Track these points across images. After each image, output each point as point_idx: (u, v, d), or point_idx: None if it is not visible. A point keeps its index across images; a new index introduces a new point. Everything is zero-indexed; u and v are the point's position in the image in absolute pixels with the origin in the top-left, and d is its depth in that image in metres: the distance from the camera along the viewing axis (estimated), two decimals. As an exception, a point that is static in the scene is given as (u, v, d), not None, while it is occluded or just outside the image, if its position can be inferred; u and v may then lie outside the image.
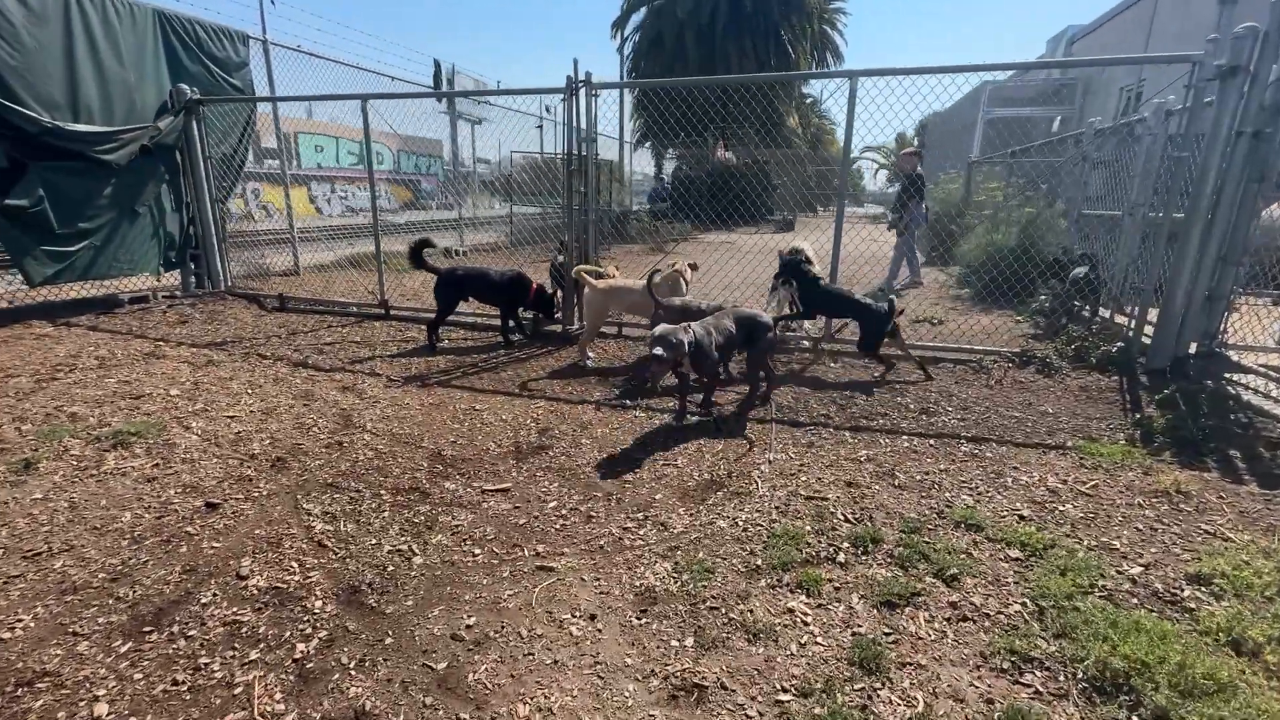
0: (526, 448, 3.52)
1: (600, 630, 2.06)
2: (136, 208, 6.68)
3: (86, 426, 3.63)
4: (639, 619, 2.12)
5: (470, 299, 5.81)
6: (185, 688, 1.79)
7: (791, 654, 1.95)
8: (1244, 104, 4.17)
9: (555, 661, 1.92)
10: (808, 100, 35.30)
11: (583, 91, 5.64)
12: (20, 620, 2.05)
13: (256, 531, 2.62)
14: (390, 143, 20.82)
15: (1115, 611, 2.05)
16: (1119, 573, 2.33)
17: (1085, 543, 2.54)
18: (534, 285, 5.70)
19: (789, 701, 1.76)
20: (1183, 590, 2.21)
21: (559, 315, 6.03)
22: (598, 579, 2.34)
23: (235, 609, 2.13)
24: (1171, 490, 2.93)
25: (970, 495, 2.96)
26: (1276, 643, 1.88)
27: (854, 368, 5.11)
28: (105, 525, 2.64)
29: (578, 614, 2.14)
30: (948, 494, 2.97)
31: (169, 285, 7.58)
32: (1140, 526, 2.66)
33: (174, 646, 1.95)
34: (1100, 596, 2.17)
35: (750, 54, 25.64)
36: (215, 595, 2.20)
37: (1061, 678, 1.82)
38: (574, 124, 5.70)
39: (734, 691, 1.80)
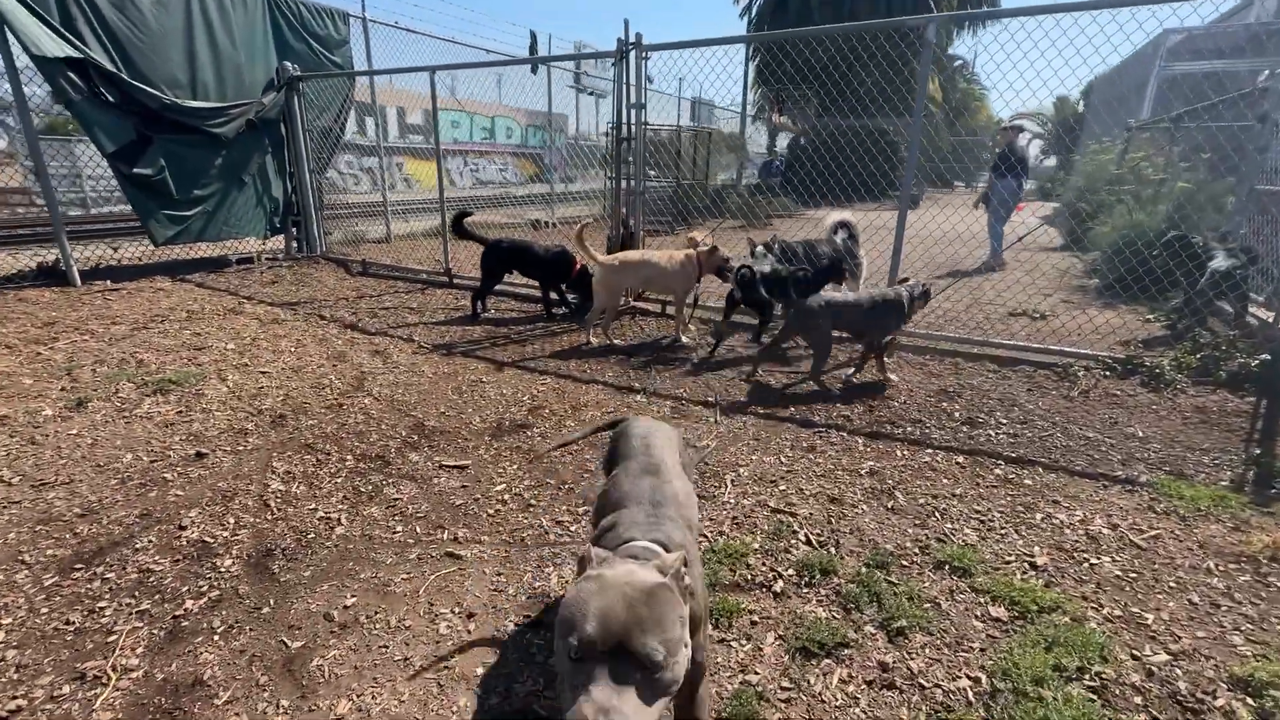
0: (508, 425, 3.44)
1: (470, 633, 1.92)
2: (243, 177, 7.40)
3: (145, 372, 4.07)
4: (516, 626, 1.95)
5: (515, 271, 5.81)
6: (72, 629, 1.90)
7: (658, 694, 1.68)
8: None
9: (406, 659, 1.81)
10: (955, 63, 31.64)
11: (633, 55, 5.35)
12: (-10, 544, 2.30)
13: (220, 484, 2.76)
14: (519, 117, 21.58)
15: (1097, 712, 1.56)
16: (1135, 658, 1.78)
17: (1106, 611, 1.98)
18: (577, 263, 5.57)
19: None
20: (1216, 698, 1.64)
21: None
22: (499, 575, 2.19)
23: (158, 558, 2.24)
24: (1263, 556, 2.21)
25: (976, 530, 2.44)
26: (1320, 803, 1.32)
27: (908, 365, 4.48)
28: (107, 464, 2.92)
29: (458, 611, 2.01)
30: (948, 525, 2.47)
31: (274, 249, 8.38)
32: (1196, 599, 2.03)
33: (88, 587, 2.09)
34: (1087, 687, 1.67)
35: (884, 14, 23.40)
36: (150, 542, 2.33)
37: (979, 789, 1.41)
38: (623, 90, 5.43)
39: None
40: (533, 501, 2.67)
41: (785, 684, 1.72)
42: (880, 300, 3.90)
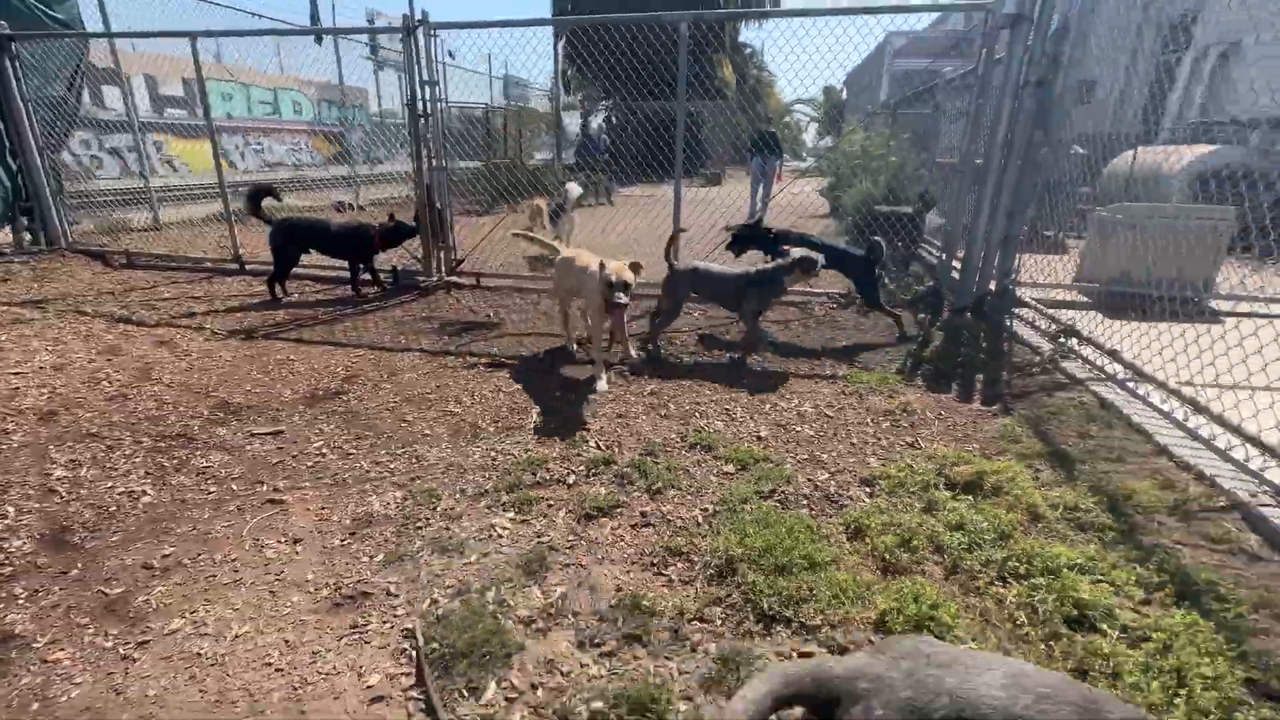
0: (323, 394, 3.55)
1: (298, 553, 2.17)
2: (-57, 155, 6.11)
3: None
4: (343, 541, 2.23)
5: (311, 251, 5.65)
6: None
7: (470, 562, 2.11)
8: (1028, 53, 4.42)
9: (236, 581, 2.02)
10: (745, 50, 34.66)
11: (420, 32, 5.44)
12: None
13: (25, 457, 2.58)
14: (307, 91, 19.42)
15: (773, 512, 2.30)
16: (809, 480, 2.59)
17: (798, 457, 2.80)
18: (376, 235, 5.57)
19: (442, 602, 1.92)
20: (849, 491, 2.49)
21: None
22: (324, 509, 2.44)
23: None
24: (898, 410, 3.24)
25: (723, 421, 3.19)
26: (882, 528, 2.16)
27: (699, 309, 5.30)
28: None
29: (284, 540, 2.24)
30: (704, 421, 3.19)
31: (-1, 242, 7.03)
32: (855, 441, 2.95)
33: None
34: (775, 501, 2.42)
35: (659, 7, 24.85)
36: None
37: (696, 568, 2.05)
38: (414, 66, 5.51)
39: (396, 597, 1.95)
40: (350, 451, 2.90)
41: (571, 538, 2.24)
42: (753, 273, 3.98)
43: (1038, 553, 1.97)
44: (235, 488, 2.58)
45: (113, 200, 8.38)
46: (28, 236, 7.13)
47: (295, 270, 5.81)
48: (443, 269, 6.24)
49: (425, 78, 5.54)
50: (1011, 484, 2.39)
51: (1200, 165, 7.32)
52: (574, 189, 7.08)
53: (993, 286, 4.96)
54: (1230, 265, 5.44)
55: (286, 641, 1.77)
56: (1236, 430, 2.53)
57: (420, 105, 5.61)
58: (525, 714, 1.53)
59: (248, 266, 6.65)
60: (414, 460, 2.81)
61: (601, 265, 3.34)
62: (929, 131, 8.56)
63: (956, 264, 5.33)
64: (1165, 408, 3.01)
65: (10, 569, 2.06)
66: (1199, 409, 2.76)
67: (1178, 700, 1.47)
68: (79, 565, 2.08)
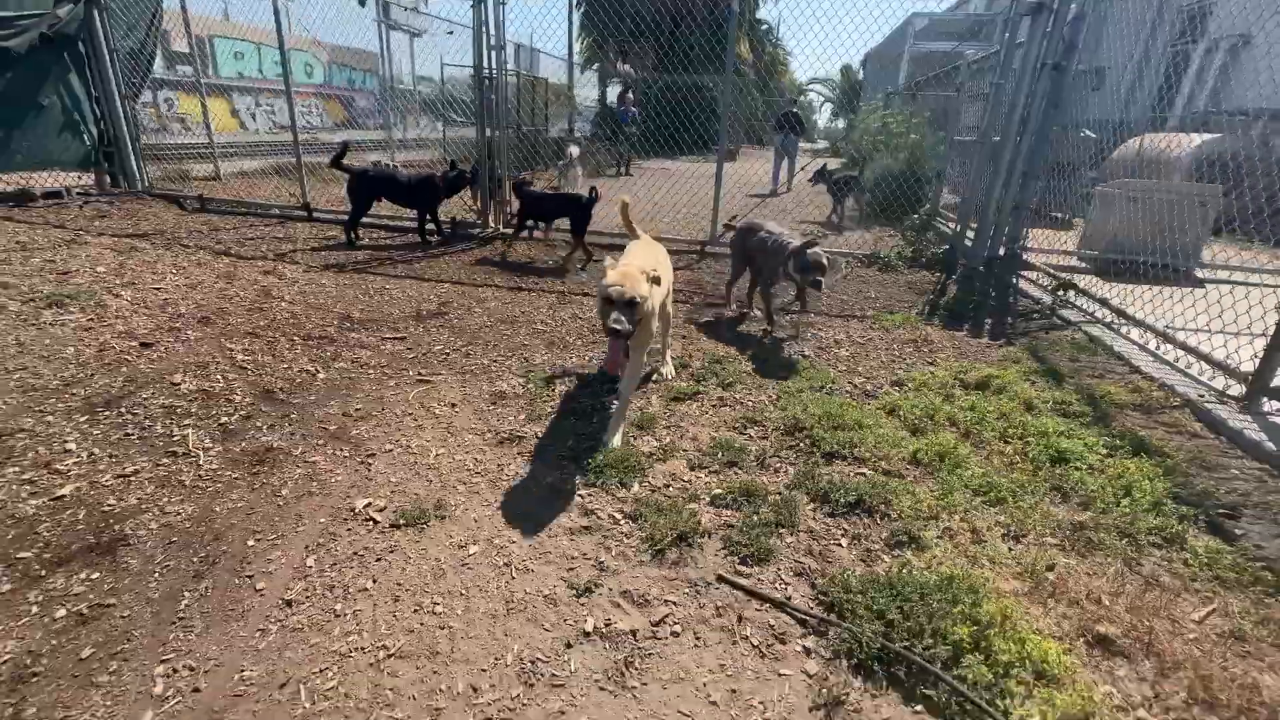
0: (426, 314, 4.16)
1: (457, 411, 2.80)
2: (41, 100, 6.63)
3: (19, 292, 4.03)
4: (490, 407, 2.87)
5: (383, 199, 6.20)
6: (134, 437, 2.44)
7: (593, 423, 2.74)
8: (1047, 39, 4.94)
9: (418, 426, 2.66)
10: (762, 27, 34.64)
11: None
12: (-7, 404, 2.63)
13: (186, 359, 3.20)
14: (318, 52, 19.64)
15: (824, 398, 2.93)
16: (849, 382, 3.21)
17: (839, 369, 3.42)
18: (441, 184, 6.11)
19: (573, 443, 2.55)
20: (883, 389, 3.12)
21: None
22: (464, 387, 3.07)
23: (171, 400, 2.76)
24: (919, 340, 3.85)
25: (769, 348, 3.81)
26: (912, 407, 2.78)
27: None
28: (52, 355, 3.17)
29: (442, 404, 2.87)
30: (752, 346, 3.81)
31: (84, 184, 7.57)
32: (884, 359, 3.57)
33: (123, 418, 2.58)
34: (824, 392, 3.04)
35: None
36: (153, 393, 2.81)
37: (769, 429, 2.68)
38: (480, 33, 6.00)
39: (542, 437, 2.58)
40: (469, 352, 3.52)
41: (665, 411, 2.87)
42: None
43: (1031, 424, 2.60)
44: (386, 372, 3.21)
45: (177, 153, 8.90)
46: (108, 180, 7.68)
47: (365, 219, 6.38)
48: (498, 222, 6.81)
49: (493, 43, 6.04)
50: (1012, 386, 3.01)
51: (1204, 151, 7.84)
52: (574, 149, 7.56)
53: (1002, 251, 5.54)
54: (1217, 242, 6.00)
55: (476, 459, 2.41)
56: (1194, 351, 3.15)
57: (487, 70, 6.12)
58: (664, 497, 2.17)
59: (315, 214, 7.21)
60: (523, 360, 3.44)
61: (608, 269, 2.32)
62: (948, 111, 9.04)
63: (970, 233, 5.90)
64: (1141, 341, 3.62)
65: (244, 412, 2.69)
66: (1168, 339, 3.38)
67: (1124, 500, 2.10)
68: (294, 413, 2.71)
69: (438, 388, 3.04)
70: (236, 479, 2.21)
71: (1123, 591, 1.72)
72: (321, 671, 1.46)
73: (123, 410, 2.64)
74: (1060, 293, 4.60)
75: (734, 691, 1.43)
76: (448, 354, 3.48)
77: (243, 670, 1.46)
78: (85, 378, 2.94)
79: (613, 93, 26.98)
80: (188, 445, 2.39)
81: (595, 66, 28.19)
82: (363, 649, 1.53)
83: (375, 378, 3.13)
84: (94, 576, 1.72)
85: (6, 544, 1.82)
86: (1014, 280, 5.23)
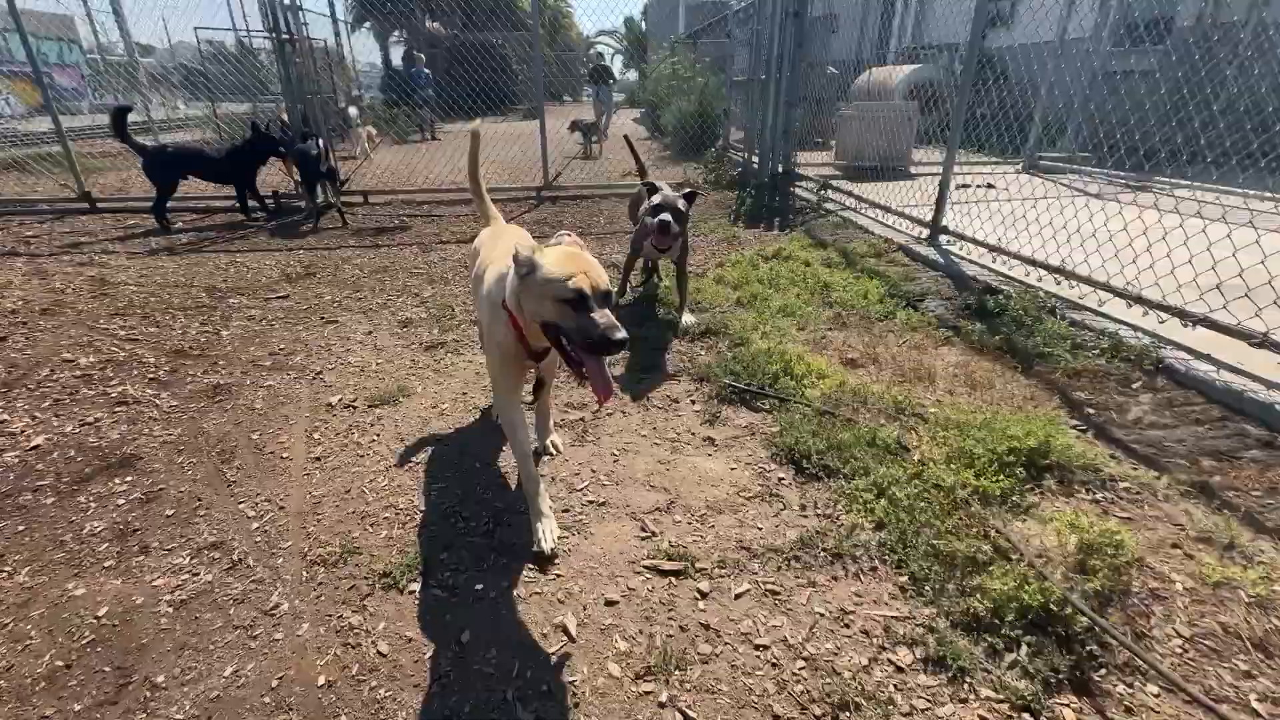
0: (295, 276, 4.33)
1: (375, 337, 3.25)
2: None
3: None
4: (403, 329, 3.34)
5: (189, 177, 5.83)
6: (68, 401, 2.57)
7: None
8: (786, -11, 6.18)
9: (347, 350, 3.07)
10: (538, -21, 34.31)
11: (278, -45, 5.74)
12: None
13: (62, 343, 3.17)
14: None
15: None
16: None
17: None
18: (251, 152, 5.91)
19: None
20: (709, 271, 4.11)
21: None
22: (371, 321, 3.47)
23: (79, 373, 2.84)
24: (730, 238, 4.95)
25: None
26: (732, 275, 3.81)
27: (574, 204, 6.58)
28: (-112, 361, 2.95)
29: (357, 334, 3.28)
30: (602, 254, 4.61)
31: None
32: (708, 254, 4.58)
33: (40, 391, 2.65)
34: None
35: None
36: (52, 370, 2.85)
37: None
38: (274, -9, 5.82)
39: (460, 343, 3.16)
40: (360, 298, 3.87)
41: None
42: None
43: (808, 272, 3.76)
44: (289, 320, 3.48)
45: None
46: None
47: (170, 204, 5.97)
48: (327, 191, 6.73)
49: (288, 1, 5.90)
50: (796, 254, 4.18)
51: (911, 78, 10.05)
52: (353, 110, 7.50)
53: (780, 169, 6.92)
54: (918, 146, 8.01)
55: (413, 360, 2.93)
56: (905, 215, 4.58)
57: (285, 31, 5.97)
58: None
59: (99, 204, 6.48)
60: (413, 295, 3.88)
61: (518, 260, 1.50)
62: (725, 56, 10.40)
63: (755, 158, 7.21)
64: (874, 215, 5.06)
65: (169, 366, 2.88)
66: (889, 210, 4.81)
67: (862, 301, 3.29)
68: (219, 361, 2.96)
69: (346, 325, 3.42)
70: (204, 408, 2.52)
71: (861, 341, 2.85)
72: (373, 479, 2.02)
73: (31, 386, 2.70)
74: (822, 192, 6.02)
75: (655, 428, 2.27)
76: (339, 301, 3.80)
77: (309, 491, 1.97)
78: (-45, 372, 2.85)
79: (396, 55, 25.35)
80: (133, 395, 2.60)
81: (367, 25, 26.13)
82: (397, 466, 2.10)
83: (282, 326, 3.40)
84: (129, 479, 2.04)
85: (14, 481, 2.03)
86: (791, 189, 6.62)
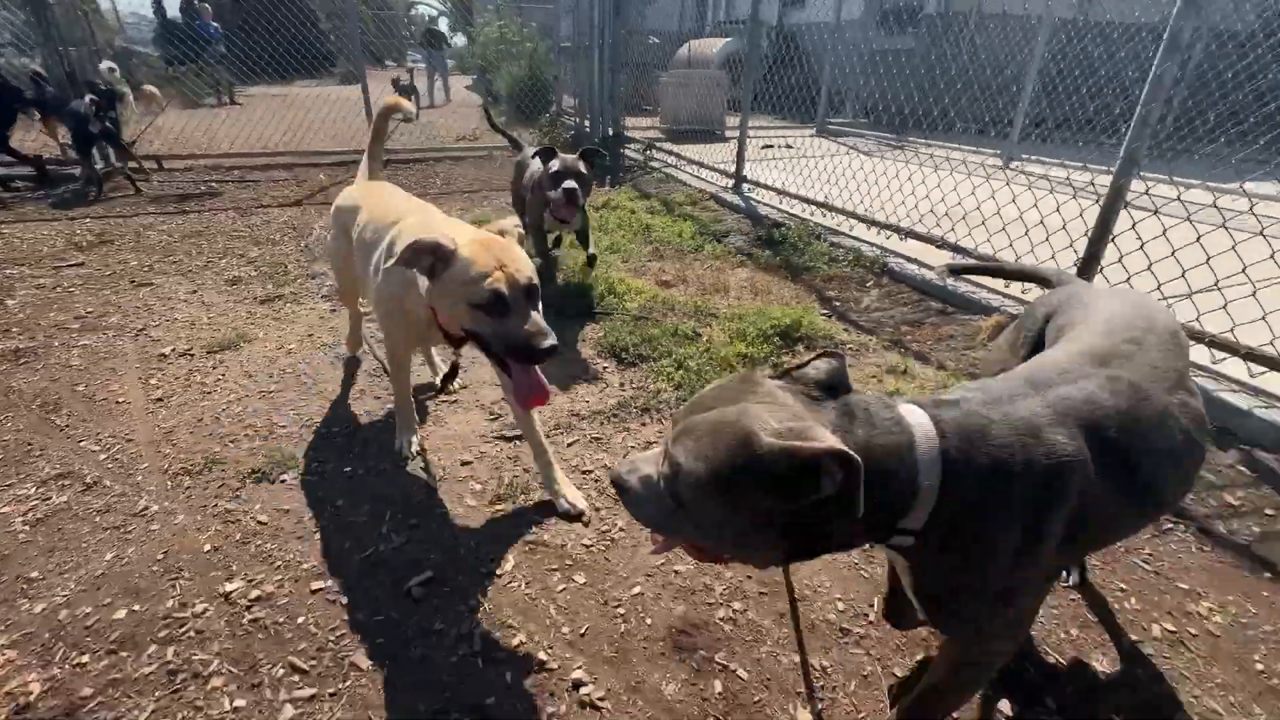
0: (87, 244, 3.92)
1: (200, 295, 3.15)
2: None
3: None
4: (231, 287, 3.26)
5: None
6: None
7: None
8: (600, -41, 6.51)
9: (170, 308, 2.97)
10: (341, -73, 31.11)
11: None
12: None
13: None
14: None
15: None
16: (507, 208, 4.43)
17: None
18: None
19: (332, 286, 3.22)
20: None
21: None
22: (192, 281, 3.33)
23: None
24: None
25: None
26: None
27: (413, 166, 6.47)
28: None
29: (179, 294, 3.15)
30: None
31: None
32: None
33: None
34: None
35: None
36: None
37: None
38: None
39: (299, 294, 3.18)
40: (175, 263, 3.65)
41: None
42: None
43: (634, 218, 4.23)
44: (92, 286, 3.23)
45: None
46: None
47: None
48: (109, 155, 5.93)
49: (31, -68, 5.06)
50: (624, 204, 4.64)
51: (726, 50, 10.96)
52: (106, 66, 6.37)
53: (611, 132, 7.34)
54: (731, 112, 8.88)
55: (249, 312, 2.93)
56: (715, 169, 5.23)
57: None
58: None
59: None
60: (238, 256, 3.75)
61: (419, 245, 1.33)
62: (551, 23, 10.54)
63: (587, 122, 7.56)
64: (692, 171, 5.69)
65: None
66: (703, 165, 5.45)
67: (677, 238, 3.83)
68: (13, 328, 2.72)
69: (163, 287, 3.25)
70: (7, 369, 2.36)
71: (674, 267, 3.38)
72: (225, 408, 2.12)
73: None
74: (648, 152, 6.56)
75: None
76: (149, 266, 3.56)
77: (157, 425, 2.02)
78: None
79: (172, 5, 21.79)
80: (-92, 366, 2.35)
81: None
82: (250, 394, 2.20)
83: (85, 291, 3.15)
84: (-67, 436, 1.93)
85: None
86: (620, 150, 7.09)
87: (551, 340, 1.24)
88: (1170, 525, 1.64)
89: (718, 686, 1.21)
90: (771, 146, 7.04)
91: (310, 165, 6.39)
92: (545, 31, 10.82)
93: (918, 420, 0.76)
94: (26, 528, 1.57)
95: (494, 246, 1.31)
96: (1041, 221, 2.68)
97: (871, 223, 3.59)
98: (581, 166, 2.79)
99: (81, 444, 1.92)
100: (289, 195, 5.27)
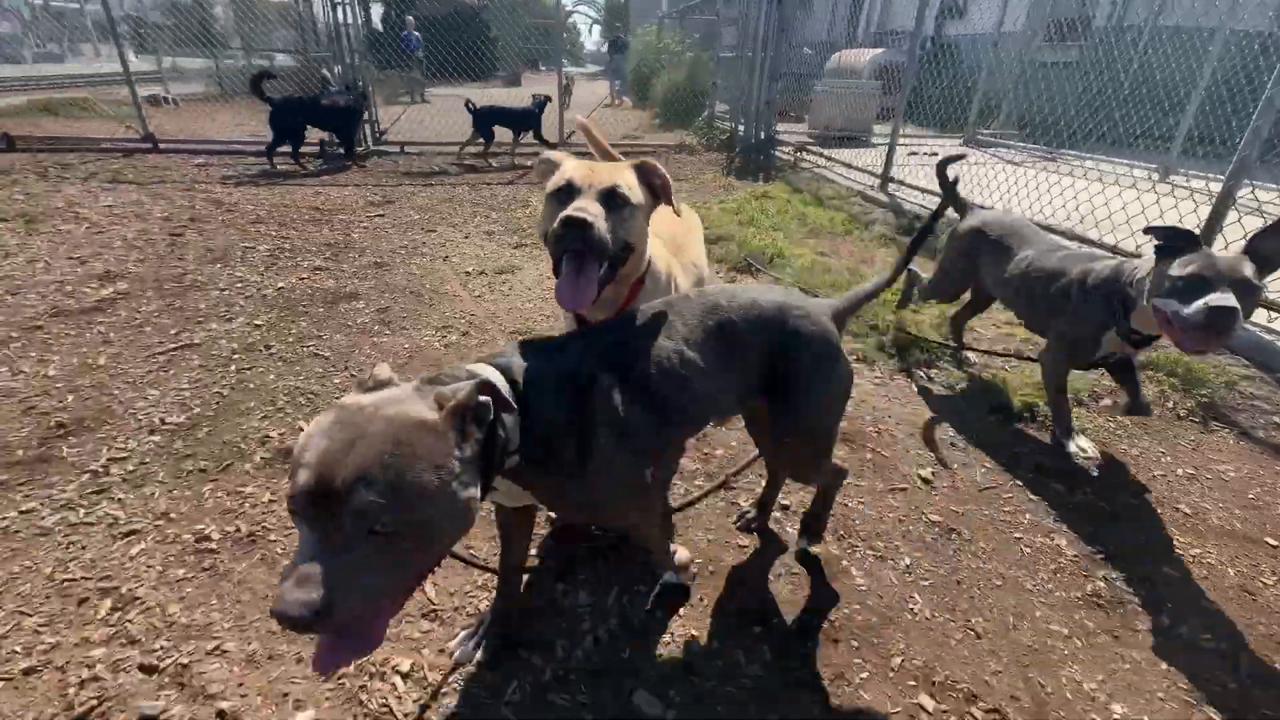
0: (378, 203, 5.35)
1: (472, 240, 4.34)
2: None
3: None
4: (487, 237, 4.43)
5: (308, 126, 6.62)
6: (277, 266, 3.62)
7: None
8: (773, -23, 7.30)
9: (456, 246, 4.17)
10: (514, -56, 34.29)
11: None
12: None
13: (232, 238, 4.18)
14: None
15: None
16: (683, 195, 5.34)
17: (690, 198, 5.52)
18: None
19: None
20: (711, 206, 5.31)
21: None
22: (462, 232, 4.55)
23: (264, 254, 3.87)
24: (724, 185, 6.16)
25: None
26: (729, 208, 5.01)
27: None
28: (111, 244, 3.93)
29: (457, 239, 4.36)
30: (630, 196, 5.75)
31: None
32: (707, 196, 5.77)
33: (249, 261, 3.69)
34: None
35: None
36: (243, 253, 3.88)
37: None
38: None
39: (540, 246, 4.28)
40: (445, 215, 4.93)
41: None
42: None
43: (787, 207, 4.99)
44: (398, 230, 4.54)
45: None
46: None
47: (212, 142, 6.81)
48: (367, 140, 7.64)
49: (342, -30, 6.74)
50: (777, 196, 5.42)
51: (876, 60, 11.32)
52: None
53: (763, 135, 8.11)
54: (880, 121, 9.30)
55: (511, 253, 4.05)
56: (863, 170, 5.85)
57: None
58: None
59: (162, 145, 7.27)
60: (484, 217, 4.97)
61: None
62: (712, 33, 11.47)
63: (741, 126, 8.39)
64: (841, 172, 6.33)
65: (328, 254, 3.94)
66: (850, 166, 6.08)
67: (830, 221, 4.54)
68: (365, 250, 4.02)
69: (443, 234, 4.50)
70: (377, 273, 3.61)
71: (828, 244, 4.11)
72: (523, 303, 3.18)
73: (238, 259, 3.73)
74: (798, 154, 7.26)
75: (694, 285, 3.48)
76: (427, 220, 4.85)
77: (485, 308, 3.11)
78: (181, 249, 3.85)
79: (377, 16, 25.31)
80: (318, 265, 3.67)
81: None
82: (534, 298, 3.25)
83: (395, 232, 4.46)
84: (357, 304, 3.14)
85: (297, 299, 3.11)
86: (773, 152, 7.84)
87: (583, 214, 1.21)
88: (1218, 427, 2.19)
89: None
90: (916, 154, 7.46)
91: (506, 152, 7.76)
92: (706, 42, 11.78)
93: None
94: (443, 349, 2.67)
95: (595, 164, 1.44)
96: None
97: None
98: (1247, 270, 1.57)
99: (445, 313, 3.05)
100: (504, 175, 6.58)
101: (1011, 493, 1.92)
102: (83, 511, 1.70)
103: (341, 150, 7.21)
